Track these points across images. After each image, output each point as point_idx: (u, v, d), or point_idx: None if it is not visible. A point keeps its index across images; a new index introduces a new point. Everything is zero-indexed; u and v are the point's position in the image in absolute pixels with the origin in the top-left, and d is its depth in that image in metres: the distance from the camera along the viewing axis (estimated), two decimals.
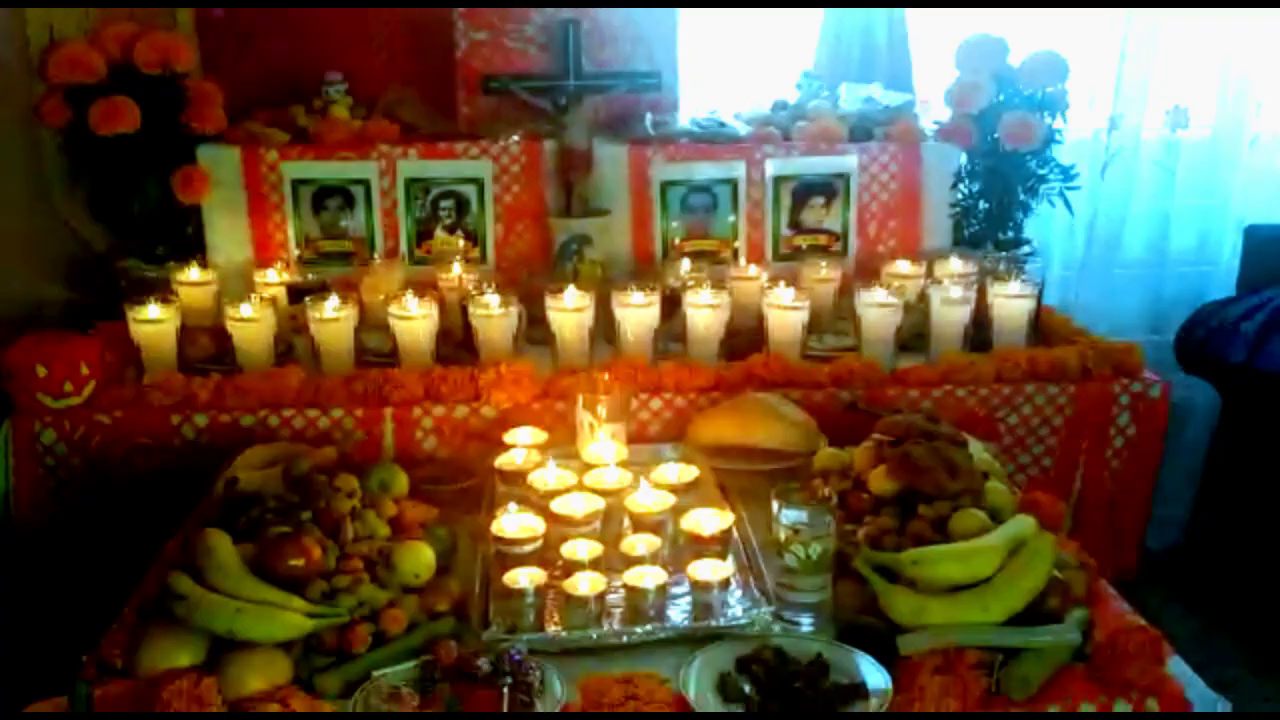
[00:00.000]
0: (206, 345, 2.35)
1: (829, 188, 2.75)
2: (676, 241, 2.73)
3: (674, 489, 1.79)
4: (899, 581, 1.53)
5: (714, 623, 1.54)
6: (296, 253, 2.68)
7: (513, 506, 1.71)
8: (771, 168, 2.72)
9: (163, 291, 2.37)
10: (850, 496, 1.78)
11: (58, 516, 2.16)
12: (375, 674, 1.43)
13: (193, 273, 2.48)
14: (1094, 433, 2.29)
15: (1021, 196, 2.76)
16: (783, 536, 1.57)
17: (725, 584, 1.58)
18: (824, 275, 2.55)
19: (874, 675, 1.42)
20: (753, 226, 2.75)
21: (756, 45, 3.14)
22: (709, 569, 1.59)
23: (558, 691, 1.40)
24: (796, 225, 2.76)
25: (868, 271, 2.62)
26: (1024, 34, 2.86)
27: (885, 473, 1.74)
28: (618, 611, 1.58)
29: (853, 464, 1.85)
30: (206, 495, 1.87)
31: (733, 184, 2.72)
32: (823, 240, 2.77)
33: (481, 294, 2.31)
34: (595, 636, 1.52)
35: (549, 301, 2.28)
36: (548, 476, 1.83)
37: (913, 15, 3.10)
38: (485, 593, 1.62)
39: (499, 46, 2.73)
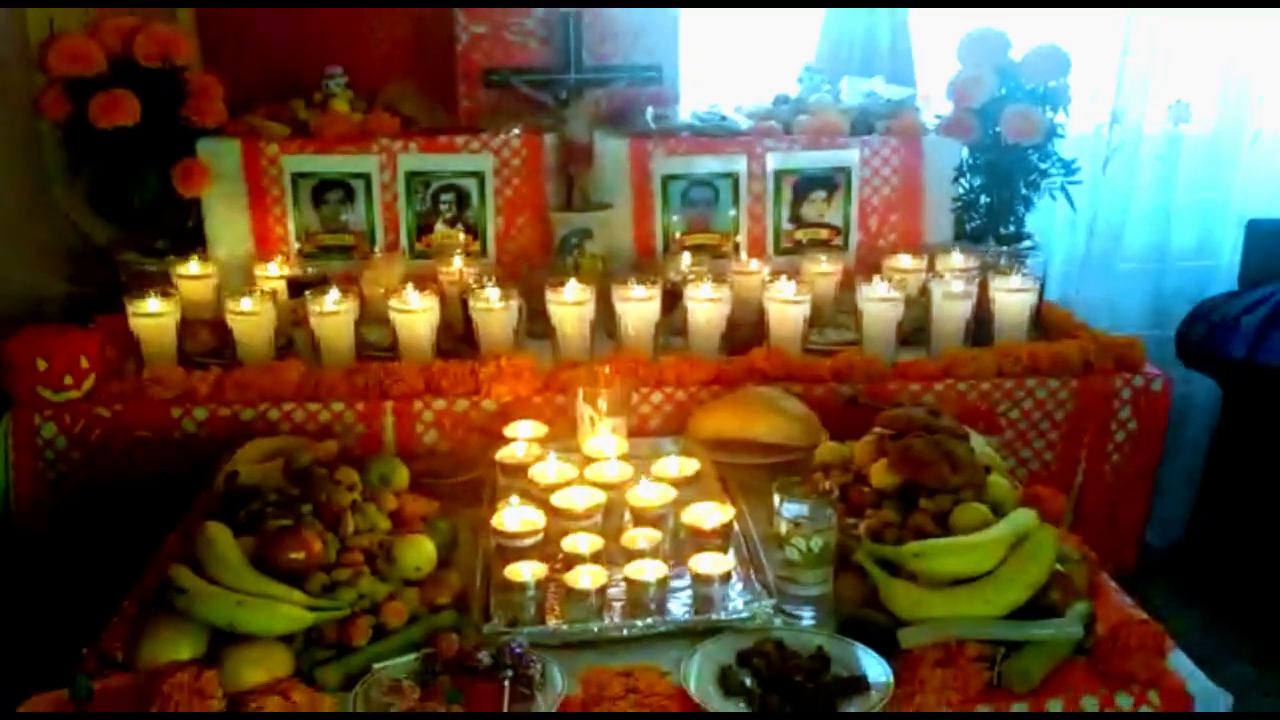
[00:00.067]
0: (206, 339, 2.35)
1: (830, 182, 2.74)
2: (677, 235, 2.73)
3: (675, 482, 1.79)
4: (900, 575, 1.53)
5: (715, 616, 1.55)
6: (297, 246, 2.67)
7: (514, 500, 1.71)
8: (772, 161, 2.72)
9: (163, 285, 2.36)
10: (851, 490, 1.78)
11: (57, 510, 2.16)
12: (376, 667, 1.43)
13: (193, 266, 2.48)
14: (1095, 427, 2.29)
15: (1023, 191, 2.75)
16: (784, 530, 1.57)
17: (726, 577, 1.58)
18: (825, 269, 2.54)
19: (875, 668, 1.42)
20: (754, 220, 2.74)
21: (758, 39, 3.13)
22: (710, 562, 1.59)
23: (558, 684, 1.40)
24: (797, 219, 2.76)
25: (868, 266, 2.61)
26: (1026, 28, 2.85)
27: (886, 466, 1.74)
28: (618, 605, 1.58)
29: (854, 458, 1.85)
30: (207, 489, 1.87)
31: (734, 178, 2.72)
32: (824, 234, 2.76)
33: (482, 288, 2.31)
34: (596, 630, 1.52)
35: (549, 295, 2.28)
36: (548, 470, 1.83)
37: (915, 11, 3.09)
38: (486, 586, 1.62)
39: (499, 40, 2.72)
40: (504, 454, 1.92)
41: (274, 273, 2.53)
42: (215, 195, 2.63)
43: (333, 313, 2.27)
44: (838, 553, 1.59)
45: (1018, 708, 1.40)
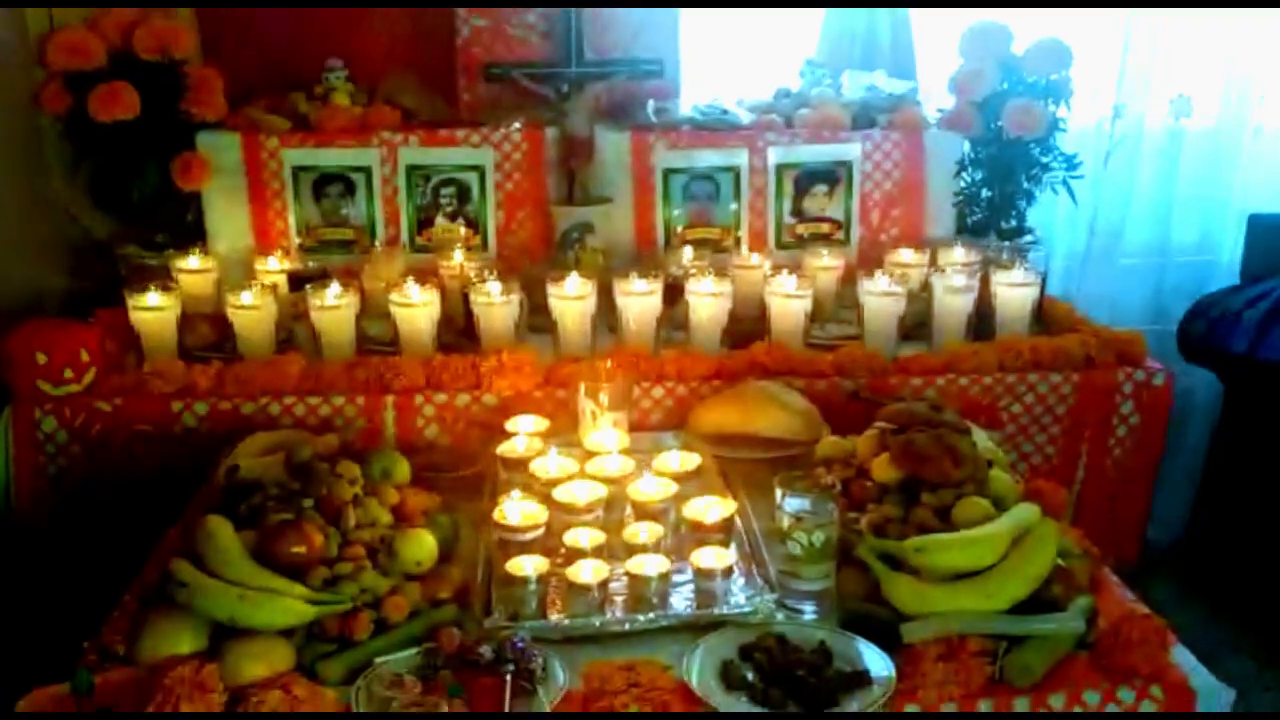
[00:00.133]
0: (207, 333, 2.35)
1: (831, 176, 2.74)
2: (678, 230, 2.72)
3: (676, 477, 1.79)
4: (902, 569, 1.53)
5: (717, 611, 1.54)
6: (297, 240, 2.67)
7: (515, 494, 1.71)
8: (774, 156, 2.71)
9: (163, 279, 2.36)
10: (853, 485, 1.77)
11: (58, 504, 2.16)
12: (377, 661, 1.43)
13: (193, 260, 2.48)
14: (1097, 422, 2.29)
15: (1025, 185, 2.75)
16: (786, 524, 1.57)
17: (728, 572, 1.58)
18: (826, 264, 2.54)
19: (877, 663, 1.42)
20: (755, 214, 2.73)
21: (759, 33, 3.12)
22: (711, 557, 1.58)
23: (560, 679, 1.40)
24: (799, 213, 2.75)
25: (870, 260, 2.61)
26: (1028, 22, 2.84)
27: (888, 461, 1.73)
28: (620, 599, 1.58)
29: (855, 452, 1.85)
30: (207, 483, 1.87)
31: (735, 172, 2.71)
32: (825, 228, 2.76)
33: (483, 282, 2.30)
34: (598, 624, 1.52)
35: (551, 289, 2.28)
36: (550, 464, 1.83)
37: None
38: (487, 580, 1.62)
39: (500, 33, 2.72)
40: (505, 448, 1.92)
41: (274, 267, 2.53)
42: (215, 189, 2.63)
43: (333, 307, 2.26)
44: (839, 547, 1.59)
45: (1020, 703, 1.40)
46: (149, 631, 1.43)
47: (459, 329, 2.35)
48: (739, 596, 1.57)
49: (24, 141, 2.62)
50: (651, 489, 1.73)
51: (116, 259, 2.59)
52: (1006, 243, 2.68)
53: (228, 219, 2.65)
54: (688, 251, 2.58)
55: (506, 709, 1.35)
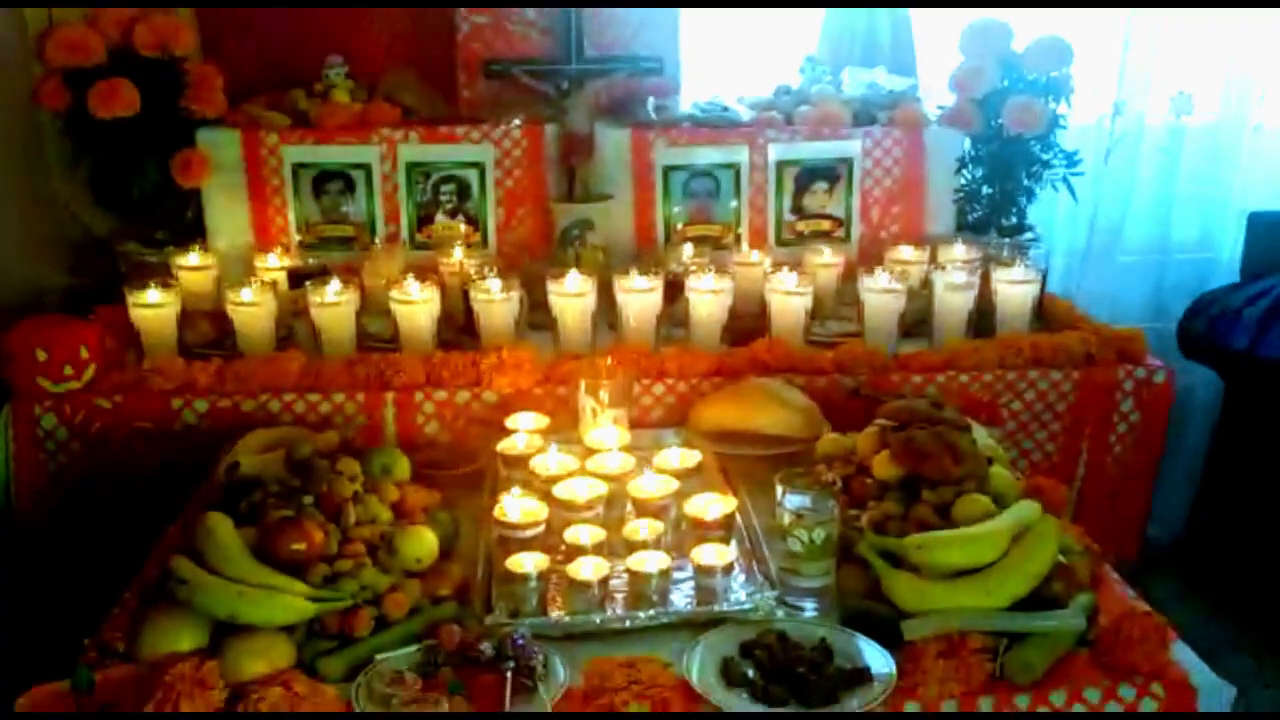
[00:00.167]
0: (207, 330, 2.35)
1: (832, 173, 2.74)
2: (679, 227, 2.72)
3: (677, 474, 1.78)
4: (903, 567, 1.53)
5: (717, 608, 1.54)
6: (297, 237, 2.67)
7: (515, 491, 1.71)
8: (774, 152, 2.71)
9: (163, 276, 2.36)
10: (854, 482, 1.77)
11: (58, 501, 2.16)
12: (378, 658, 1.43)
13: (192, 257, 2.48)
14: (1097, 419, 2.29)
15: (1025, 182, 2.75)
16: (786, 521, 1.57)
17: (728, 569, 1.58)
18: (827, 261, 2.54)
19: (878, 660, 1.42)
20: (755, 212, 2.73)
21: (759, 30, 3.12)
22: (712, 554, 1.58)
23: (560, 676, 1.40)
24: (799, 210, 2.75)
25: (870, 257, 2.61)
26: (1028, 19, 2.84)
27: (889, 458, 1.73)
28: (620, 596, 1.58)
29: (856, 449, 1.85)
30: (207, 480, 1.87)
31: (735, 169, 2.71)
32: (825, 225, 2.76)
33: (483, 279, 2.30)
34: (598, 621, 1.52)
35: (551, 286, 2.27)
36: (550, 461, 1.83)
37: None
38: (488, 577, 1.62)
39: (500, 30, 2.71)
40: (505, 445, 1.92)
41: (274, 264, 2.53)
42: (215, 186, 2.63)
43: (333, 304, 2.26)
44: (840, 544, 1.59)
45: (1020, 700, 1.40)
46: (149, 629, 1.43)
47: (459, 326, 2.35)
48: (739, 593, 1.57)
49: (24, 139, 2.62)
50: (652, 486, 1.73)
51: (116, 256, 2.59)
52: (1007, 240, 2.68)
53: (228, 216, 2.65)
54: (688, 248, 2.58)
55: (507, 706, 1.35)
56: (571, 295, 2.26)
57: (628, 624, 1.52)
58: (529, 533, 1.64)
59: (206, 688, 1.33)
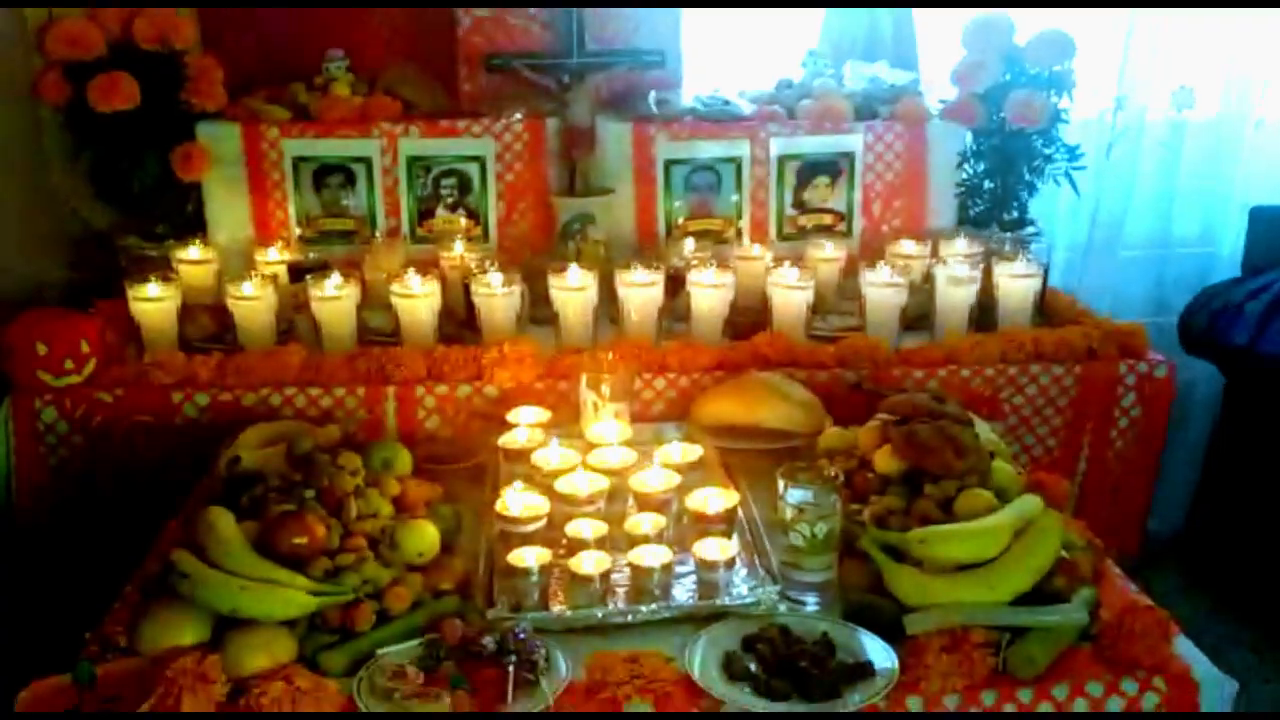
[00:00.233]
0: (207, 324, 2.34)
1: (833, 167, 2.73)
2: (679, 221, 2.71)
3: (678, 468, 1.78)
4: (905, 561, 1.53)
5: (719, 602, 1.54)
6: (297, 231, 2.66)
7: (517, 485, 1.71)
8: (776, 147, 2.70)
9: (163, 270, 2.36)
10: (856, 476, 1.77)
11: (58, 495, 2.16)
12: (380, 652, 1.43)
13: (193, 251, 2.47)
14: (1099, 413, 2.28)
15: (1027, 176, 2.74)
16: (789, 516, 1.57)
17: (730, 563, 1.58)
18: (828, 255, 2.53)
19: (880, 654, 1.42)
20: (756, 206, 2.73)
21: (761, 24, 3.11)
22: (714, 548, 1.58)
23: (562, 670, 1.40)
24: (801, 205, 2.74)
25: (872, 251, 2.61)
26: (1030, 13, 2.83)
27: (891, 452, 1.73)
28: (622, 590, 1.58)
29: (858, 444, 1.84)
30: (208, 474, 1.87)
31: (736, 163, 2.70)
32: (827, 220, 2.75)
33: (484, 273, 2.30)
34: (600, 615, 1.52)
35: (552, 281, 2.27)
36: (551, 456, 1.83)
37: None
38: (489, 571, 1.61)
39: (501, 23, 2.70)
40: (506, 439, 1.92)
41: (274, 257, 2.52)
42: (215, 179, 2.62)
43: (334, 298, 2.26)
44: (842, 539, 1.59)
45: (1023, 694, 1.40)
46: (151, 623, 1.43)
47: (460, 320, 2.34)
48: (741, 588, 1.57)
49: (23, 132, 2.61)
50: (654, 480, 1.73)
51: (116, 250, 2.58)
52: (1008, 234, 2.67)
53: (228, 209, 2.64)
54: (689, 243, 2.57)
55: (509, 700, 1.35)
56: (573, 289, 2.26)
57: (629, 618, 1.52)
58: (530, 527, 1.64)
59: (208, 682, 1.33)
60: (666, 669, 1.39)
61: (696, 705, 1.37)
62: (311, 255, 2.56)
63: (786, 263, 2.34)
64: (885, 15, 3.05)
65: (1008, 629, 1.44)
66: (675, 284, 2.33)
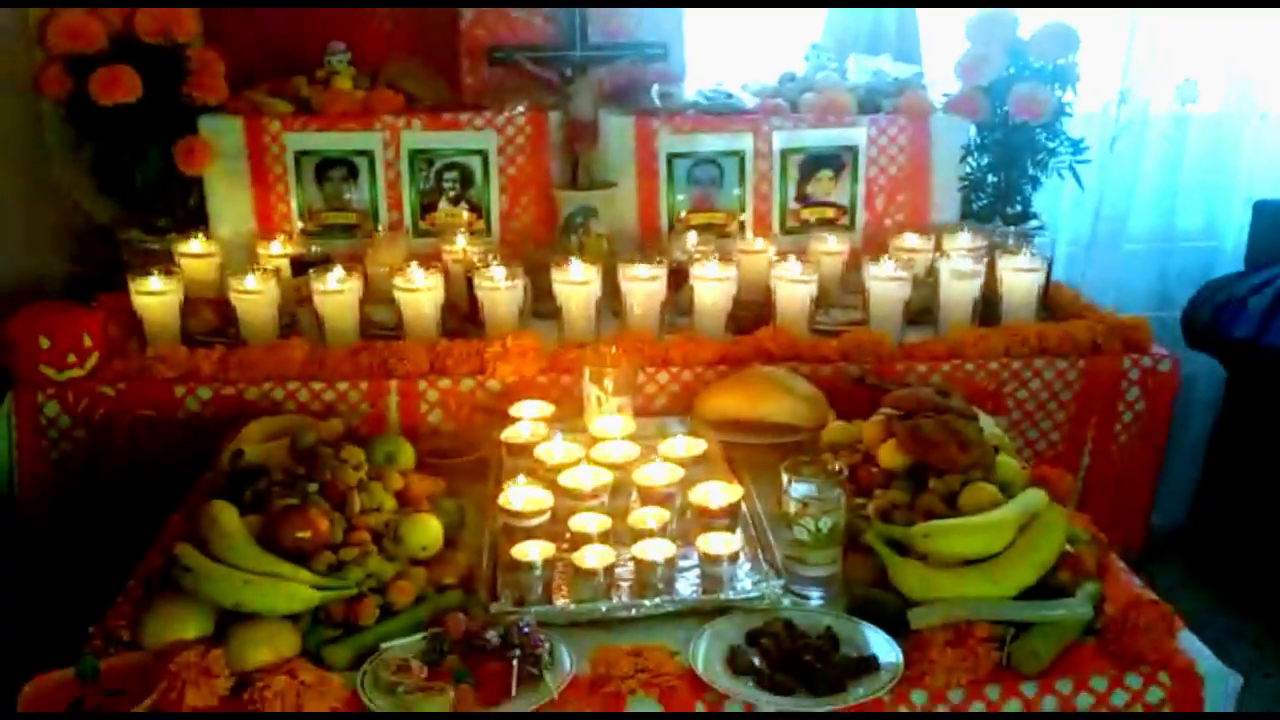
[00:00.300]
0: (209, 318, 2.34)
1: (837, 160, 2.72)
2: (682, 214, 2.71)
3: (682, 462, 1.78)
4: (909, 555, 1.52)
5: (723, 596, 1.54)
6: (300, 225, 2.66)
7: (521, 479, 1.70)
8: (779, 140, 2.69)
9: (165, 263, 2.35)
10: (860, 470, 1.77)
11: (61, 489, 2.15)
12: (383, 646, 1.43)
13: (195, 244, 2.47)
14: (1103, 407, 2.28)
15: (1030, 170, 2.73)
16: (792, 510, 1.57)
17: (734, 557, 1.58)
18: (831, 249, 2.53)
19: (884, 649, 1.42)
20: (759, 199, 2.72)
21: (764, 17, 3.10)
22: (718, 542, 1.58)
23: (566, 664, 1.40)
24: (804, 198, 2.74)
25: (875, 245, 2.60)
26: (1034, 7, 2.82)
27: (895, 446, 1.73)
28: (626, 584, 1.58)
29: (862, 438, 1.84)
30: (211, 467, 1.86)
31: (739, 156, 2.69)
32: (830, 213, 2.75)
33: (487, 267, 2.29)
34: (604, 609, 1.52)
35: (555, 274, 2.27)
36: (555, 450, 1.82)
37: None
38: (493, 566, 1.61)
39: (503, 16, 2.69)
40: (509, 434, 1.91)
41: (277, 251, 2.51)
42: (217, 173, 2.61)
43: (336, 291, 2.26)
44: (846, 533, 1.59)
45: (1027, 688, 1.40)
46: (154, 617, 1.43)
47: (463, 314, 2.34)
48: (745, 582, 1.57)
49: (25, 126, 2.61)
50: (657, 474, 1.73)
51: (118, 243, 2.58)
52: (1012, 228, 2.67)
53: (230, 203, 2.64)
54: (691, 236, 2.57)
55: (513, 694, 1.35)
56: (575, 283, 2.25)
57: (633, 612, 1.52)
58: (534, 521, 1.63)
59: (211, 676, 1.34)
60: (670, 663, 1.39)
61: (701, 699, 1.37)
62: (314, 249, 2.56)
63: (790, 256, 2.34)
64: (889, 8, 3.03)
65: (1012, 623, 1.43)
66: (678, 278, 2.33)
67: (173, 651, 1.36)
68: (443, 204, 2.69)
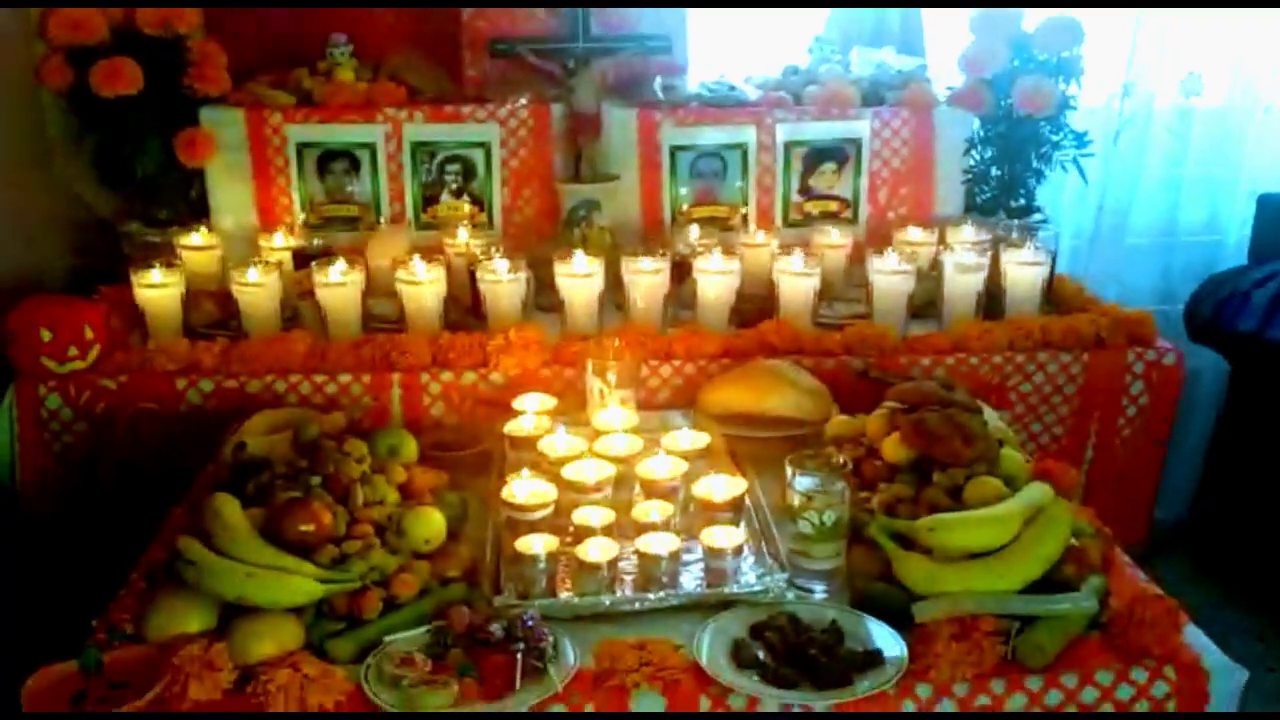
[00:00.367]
0: (211, 310, 2.33)
1: (840, 153, 2.71)
2: (685, 208, 2.70)
3: (686, 455, 1.77)
4: (914, 549, 1.52)
5: (727, 589, 1.54)
6: (301, 217, 2.65)
7: (524, 472, 1.70)
8: (782, 133, 2.69)
9: (167, 256, 2.35)
10: (864, 464, 1.77)
11: (62, 481, 2.15)
12: (387, 640, 1.42)
13: (196, 237, 2.46)
14: (1106, 401, 2.28)
15: (1034, 163, 2.72)
16: (797, 503, 1.56)
17: (738, 551, 1.57)
18: (835, 242, 2.52)
19: (889, 642, 1.42)
20: (762, 192, 2.71)
21: (767, 9, 3.09)
22: (721, 535, 1.58)
23: (570, 657, 1.40)
24: (807, 191, 2.73)
25: (878, 238, 2.60)
26: (1036, 6, 2.81)
27: (899, 440, 1.73)
28: (629, 578, 1.57)
29: (865, 431, 1.84)
30: (213, 460, 1.86)
31: (742, 149, 2.69)
32: (833, 206, 2.74)
33: (490, 259, 2.29)
34: (607, 603, 1.51)
35: (558, 267, 2.26)
36: (558, 443, 1.82)
37: None
38: (496, 559, 1.61)
39: (505, 9, 2.68)
40: (512, 427, 1.91)
41: (279, 244, 2.51)
42: (219, 165, 2.61)
43: (339, 284, 2.25)
44: (850, 526, 1.58)
45: (1032, 682, 1.39)
46: (157, 610, 1.43)
47: (465, 307, 2.33)
48: (749, 576, 1.57)
49: (26, 118, 2.60)
50: (661, 468, 1.72)
51: (120, 236, 2.57)
52: (1016, 221, 2.66)
53: (232, 195, 2.63)
54: (694, 230, 2.57)
55: (517, 687, 1.35)
56: (578, 276, 2.25)
57: (637, 606, 1.51)
58: (537, 514, 1.63)
59: (215, 669, 1.33)
60: (675, 656, 1.39)
61: (705, 693, 1.36)
62: (316, 242, 2.55)
63: (796, 250, 2.33)
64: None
65: (1017, 617, 1.43)
66: (681, 271, 2.32)
67: (176, 645, 1.36)
68: (445, 197, 2.68)
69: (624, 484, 1.74)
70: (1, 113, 2.51)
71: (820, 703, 1.34)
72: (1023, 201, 2.76)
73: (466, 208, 2.67)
